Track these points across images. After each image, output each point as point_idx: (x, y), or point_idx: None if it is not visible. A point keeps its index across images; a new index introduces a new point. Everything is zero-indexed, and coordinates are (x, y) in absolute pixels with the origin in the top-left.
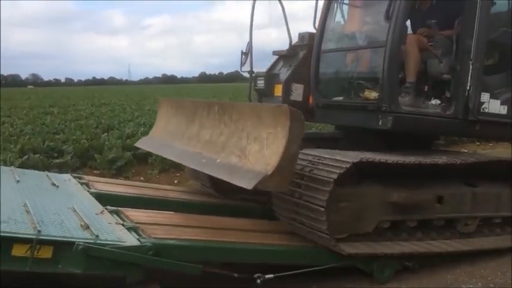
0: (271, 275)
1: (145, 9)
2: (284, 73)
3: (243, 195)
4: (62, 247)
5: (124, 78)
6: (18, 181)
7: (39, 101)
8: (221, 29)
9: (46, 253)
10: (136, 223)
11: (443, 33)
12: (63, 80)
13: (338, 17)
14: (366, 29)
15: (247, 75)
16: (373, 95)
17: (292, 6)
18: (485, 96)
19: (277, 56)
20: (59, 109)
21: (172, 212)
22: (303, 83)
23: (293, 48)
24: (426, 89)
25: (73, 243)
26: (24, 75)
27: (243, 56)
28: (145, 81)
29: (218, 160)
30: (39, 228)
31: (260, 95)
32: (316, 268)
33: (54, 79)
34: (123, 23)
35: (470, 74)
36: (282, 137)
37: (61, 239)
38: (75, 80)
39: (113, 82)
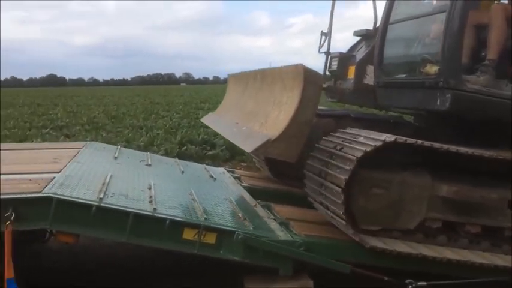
0: (424, 283)
1: (291, 9)
2: (360, 54)
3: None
4: (224, 235)
5: None
6: (182, 172)
7: (191, 97)
8: (357, 26)
9: (210, 239)
10: (287, 218)
11: None
12: (211, 78)
13: None
14: None
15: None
16: (434, 69)
17: None
18: None
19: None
20: (209, 105)
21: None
22: None
23: (377, 29)
24: None
25: (234, 232)
26: (178, 74)
27: (322, 37)
28: None
29: (244, 128)
30: (205, 216)
31: (334, 77)
32: (473, 280)
33: (203, 77)
34: (268, 23)
35: None
36: (295, 101)
37: (224, 227)
38: (221, 78)
39: None
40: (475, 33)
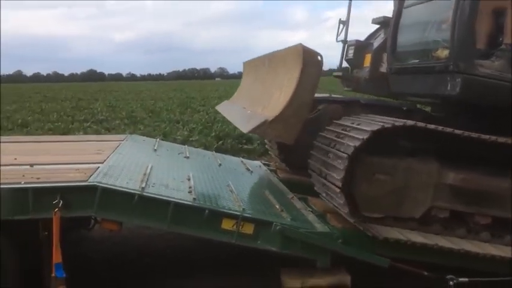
0: (466, 279)
1: (327, 3)
2: (378, 42)
3: None
4: (261, 226)
5: None
6: (220, 164)
7: (226, 92)
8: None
9: (248, 229)
10: (324, 211)
11: None
12: None
13: None
14: None
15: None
16: (444, 53)
17: None
18: None
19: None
20: None
21: None
22: None
23: None
24: None
25: (271, 223)
26: (213, 69)
27: (341, 25)
28: (323, 73)
29: (248, 111)
30: (243, 207)
31: (351, 65)
32: None
33: (238, 72)
34: (304, 17)
35: None
36: (294, 82)
37: (262, 218)
38: None
39: None
40: (493, 18)
